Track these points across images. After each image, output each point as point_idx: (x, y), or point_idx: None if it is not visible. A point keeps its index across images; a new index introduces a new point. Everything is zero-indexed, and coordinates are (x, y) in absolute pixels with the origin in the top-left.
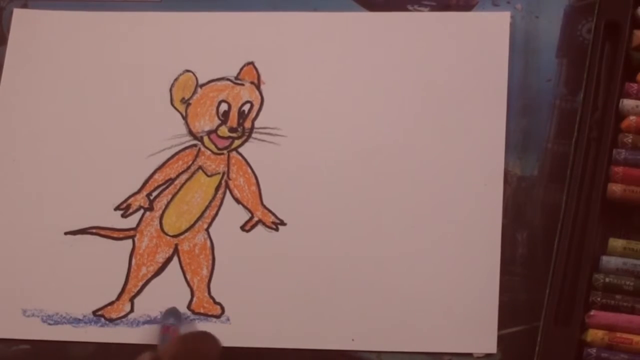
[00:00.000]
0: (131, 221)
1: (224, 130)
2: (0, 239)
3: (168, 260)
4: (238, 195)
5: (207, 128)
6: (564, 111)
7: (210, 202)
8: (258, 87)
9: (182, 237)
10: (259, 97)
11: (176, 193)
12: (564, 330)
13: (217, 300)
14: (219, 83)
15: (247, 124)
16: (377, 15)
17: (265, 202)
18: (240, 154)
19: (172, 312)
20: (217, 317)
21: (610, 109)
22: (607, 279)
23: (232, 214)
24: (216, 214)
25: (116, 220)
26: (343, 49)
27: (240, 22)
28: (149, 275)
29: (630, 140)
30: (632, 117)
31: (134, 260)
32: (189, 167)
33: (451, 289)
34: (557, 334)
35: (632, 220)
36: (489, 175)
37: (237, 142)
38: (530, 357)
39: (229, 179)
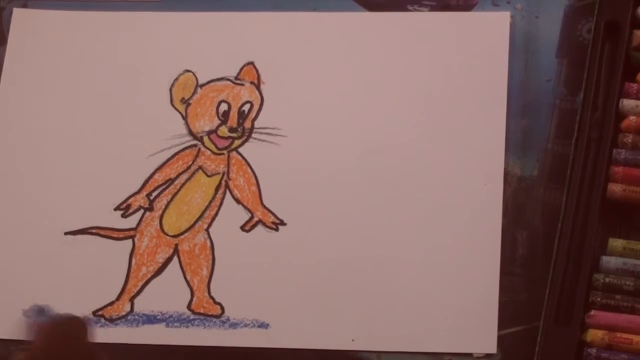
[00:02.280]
0: (131, 221)
1: (223, 131)
2: (0, 239)
3: (168, 261)
4: (238, 195)
5: (207, 128)
6: (564, 111)
7: (210, 202)
8: (258, 87)
9: (182, 237)
10: (259, 97)
11: (176, 193)
12: (564, 330)
13: (217, 300)
14: (219, 83)
15: (247, 124)
16: (377, 15)
17: (265, 202)
18: (240, 154)
19: (39, 311)
20: (217, 317)
21: (610, 109)
22: (607, 279)
23: (232, 214)
24: (216, 214)
25: (116, 220)
26: (343, 49)
27: (240, 22)
28: (149, 276)
29: (630, 140)
30: (632, 117)
31: (134, 260)
32: (189, 167)
33: (451, 289)
34: (557, 334)
35: (632, 220)
36: (489, 175)
37: (237, 142)
38: (530, 357)
39: (229, 179)
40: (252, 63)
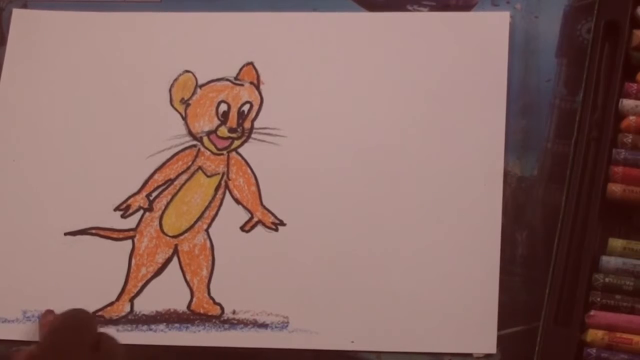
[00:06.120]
0: (131, 222)
1: (223, 131)
2: (0, 239)
3: (168, 261)
4: (238, 195)
5: (206, 128)
6: (564, 111)
7: (210, 202)
8: (258, 88)
9: (181, 237)
10: (259, 98)
11: (176, 193)
12: (564, 330)
13: (217, 300)
14: (218, 83)
15: (247, 125)
16: (377, 15)
17: (265, 203)
18: (240, 155)
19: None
20: (217, 317)
21: (610, 109)
22: (607, 279)
23: (231, 215)
24: (216, 215)
25: (116, 221)
26: (343, 49)
27: (240, 22)
28: (149, 276)
29: (630, 140)
30: (631, 117)
31: (133, 261)
32: (188, 168)
33: (451, 289)
34: (557, 334)
35: (632, 220)
36: (489, 175)
37: (236, 143)
38: (530, 357)
39: (229, 179)
40: (251, 63)
